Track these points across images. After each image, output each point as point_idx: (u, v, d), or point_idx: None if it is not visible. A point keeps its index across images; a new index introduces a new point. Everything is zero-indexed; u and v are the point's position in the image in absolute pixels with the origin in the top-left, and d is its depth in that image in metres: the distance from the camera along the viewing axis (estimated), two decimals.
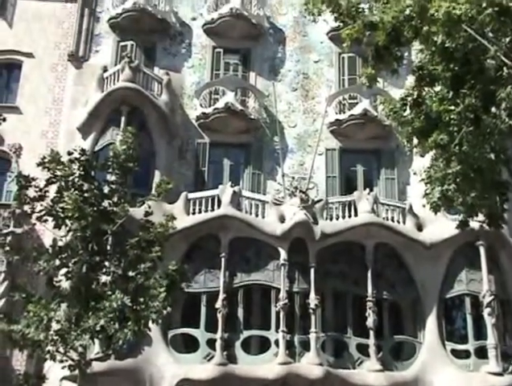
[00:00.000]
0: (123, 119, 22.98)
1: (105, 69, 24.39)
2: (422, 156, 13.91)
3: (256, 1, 26.39)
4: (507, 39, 10.70)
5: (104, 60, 25.43)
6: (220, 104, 24.12)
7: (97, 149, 23.01)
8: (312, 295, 20.50)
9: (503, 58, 10.46)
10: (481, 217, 12.94)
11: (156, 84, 24.37)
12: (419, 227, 22.14)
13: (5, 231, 21.16)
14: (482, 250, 21.44)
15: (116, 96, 23.46)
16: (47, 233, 18.86)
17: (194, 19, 26.70)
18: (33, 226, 19.86)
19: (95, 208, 14.45)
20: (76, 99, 24.69)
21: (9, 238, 20.95)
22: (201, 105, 24.61)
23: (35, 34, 26.05)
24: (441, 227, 21.11)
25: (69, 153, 14.87)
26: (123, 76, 23.55)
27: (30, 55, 25.63)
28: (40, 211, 14.51)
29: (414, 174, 14.85)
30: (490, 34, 10.77)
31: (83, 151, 14.93)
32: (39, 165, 14.66)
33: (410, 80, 14.76)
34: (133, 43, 25.95)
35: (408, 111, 12.50)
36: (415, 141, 12.75)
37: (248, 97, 24.69)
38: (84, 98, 24.32)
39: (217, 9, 26.14)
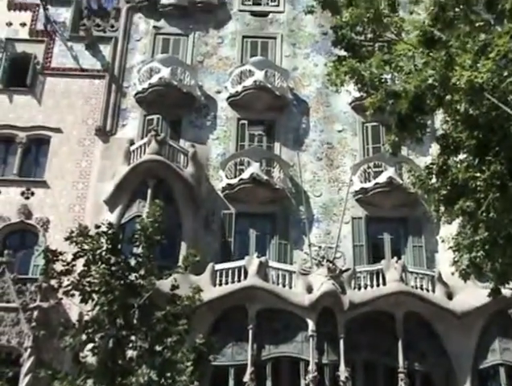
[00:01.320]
0: (149, 191, 23.24)
1: (131, 143, 24.81)
2: (449, 223, 13.77)
3: (279, 73, 26.82)
4: None
5: (130, 134, 25.89)
6: (245, 175, 24.29)
7: (123, 221, 23.17)
8: (342, 367, 20.10)
9: None
10: None
11: (182, 157, 24.68)
12: (449, 296, 21.78)
13: (31, 305, 21.15)
14: None
15: (142, 168, 23.77)
16: (74, 308, 18.83)
17: (219, 92, 27.17)
18: (59, 300, 19.82)
19: (122, 282, 14.44)
20: (103, 172, 25.02)
21: (35, 313, 20.92)
22: (227, 176, 24.80)
23: (63, 110, 26.66)
24: (471, 295, 20.75)
25: (97, 227, 14.96)
26: (149, 149, 23.91)
27: (58, 131, 26.17)
28: (67, 285, 14.52)
29: (442, 241, 14.67)
30: None
31: (110, 225, 15.02)
32: (66, 239, 14.75)
33: (435, 147, 14.81)
34: (159, 116, 26.41)
35: (434, 179, 12.47)
36: (442, 208, 12.66)
37: (273, 168, 24.85)
38: (111, 171, 24.64)
39: (241, 82, 26.58)
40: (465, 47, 11.14)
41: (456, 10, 11.65)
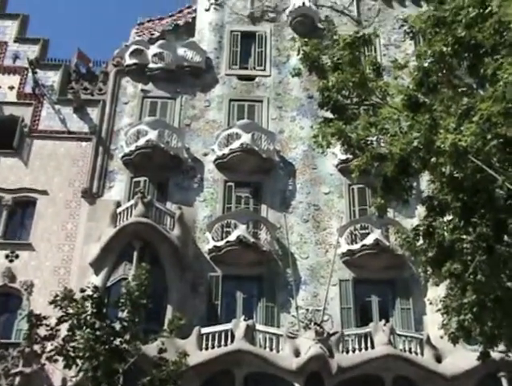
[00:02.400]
0: (135, 254, 23.10)
1: (118, 205, 24.79)
2: (437, 285, 13.77)
3: (266, 136, 27.06)
4: None
5: (117, 196, 25.88)
6: (232, 237, 24.23)
7: (109, 284, 22.93)
8: None
9: (511, 187, 10.55)
10: (501, 347, 12.62)
11: (169, 219, 24.63)
12: (438, 359, 21.55)
13: (13, 371, 20.74)
14: (504, 382, 20.75)
15: (129, 230, 23.68)
16: (57, 373, 18.48)
17: (206, 155, 27.33)
18: (42, 366, 19.45)
19: (107, 347, 14.22)
20: (89, 235, 24.88)
21: (17, 378, 20.51)
22: (213, 239, 24.72)
23: (49, 172, 26.67)
24: (461, 358, 20.55)
25: (82, 291, 14.79)
26: (136, 211, 23.87)
27: (44, 193, 26.12)
28: (51, 350, 14.28)
29: (430, 303, 14.65)
30: (497, 164, 10.91)
31: (95, 288, 14.87)
32: (51, 303, 14.58)
33: (421, 209, 14.87)
34: (146, 178, 26.45)
35: (421, 241, 12.50)
36: (430, 270, 12.65)
37: (260, 230, 24.83)
38: (97, 234, 24.51)
39: (228, 144, 26.77)
40: (449, 111, 11.33)
41: (440, 75, 11.88)
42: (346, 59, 12.44)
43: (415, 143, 11.33)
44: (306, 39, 13.62)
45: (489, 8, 10.54)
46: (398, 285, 24.39)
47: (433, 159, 11.22)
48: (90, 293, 14.63)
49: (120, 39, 36.16)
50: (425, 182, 16.52)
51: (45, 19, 59.45)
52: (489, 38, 11.15)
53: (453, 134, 10.56)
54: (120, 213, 24.44)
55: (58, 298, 14.62)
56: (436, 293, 14.78)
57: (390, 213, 24.38)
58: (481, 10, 11.35)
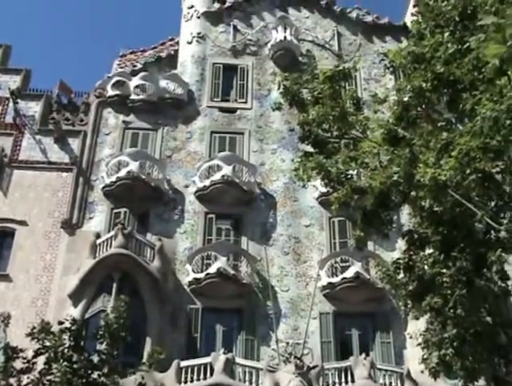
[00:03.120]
0: (115, 285, 22.91)
1: (97, 236, 24.62)
2: (417, 319, 13.74)
3: (247, 168, 27.12)
4: (493, 203, 10.92)
5: (97, 227, 25.71)
6: (212, 270, 24.11)
7: (87, 316, 22.67)
8: None
9: (490, 222, 10.62)
10: (482, 382, 12.58)
11: (149, 250, 24.49)
12: None
13: None
14: None
15: (108, 262, 23.50)
16: None
17: (187, 186, 27.30)
18: None
19: (84, 380, 14.00)
20: (68, 266, 24.64)
21: None
22: (193, 271, 24.58)
23: (29, 202, 26.47)
24: None
25: (60, 323, 14.61)
26: (116, 243, 23.71)
27: (23, 223, 25.90)
28: (27, 384, 14.04)
29: (411, 337, 14.61)
30: (476, 199, 10.99)
31: (74, 321, 14.69)
32: (28, 335, 14.36)
33: (401, 242, 14.91)
34: (126, 209, 26.33)
35: (401, 274, 12.52)
36: (410, 304, 12.65)
37: (240, 262, 24.74)
38: (76, 265, 24.29)
39: (209, 176, 26.78)
40: (428, 145, 11.42)
41: (419, 109, 12.01)
42: (326, 93, 12.56)
43: (395, 177, 11.42)
44: (286, 74, 13.74)
45: (467, 44, 10.69)
46: (378, 319, 24.33)
47: (413, 193, 11.31)
48: (68, 325, 14.44)
49: (103, 70, 36.41)
50: (405, 216, 16.62)
51: (28, 49, 59.57)
52: (468, 74, 11.31)
53: (433, 168, 10.64)
54: (99, 244, 24.28)
55: (35, 331, 14.42)
56: (417, 326, 14.74)
57: (371, 246, 24.48)
58: (460, 47, 11.52)
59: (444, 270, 11.35)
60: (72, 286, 23.61)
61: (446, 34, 11.93)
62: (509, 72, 8.15)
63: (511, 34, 5.25)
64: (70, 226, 25.88)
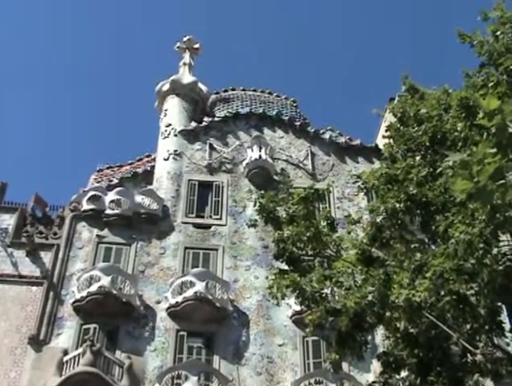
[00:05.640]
0: None
1: (65, 353, 23.94)
2: None
3: (220, 285, 26.88)
4: (468, 326, 10.87)
5: (65, 343, 25.01)
6: None
7: None
8: None
9: (466, 345, 10.54)
10: None
11: (117, 369, 23.77)
12: None
13: None
14: None
15: (75, 380, 22.76)
16: None
17: (158, 302, 26.89)
18: None
19: None
20: (33, 384, 23.77)
21: None
22: None
23: None
24: None
25: None
26: (83, 360, 23.05)
27: None
28: None
29: None
30: (452, 321, 10.94)
31: None
32: None
33: (376, 364, 14.68)
34: (96, 325, 25.74)
35: None
36: None
37: (212, 382, 24.02)
38: (42, 383, 23.51)
39: (182, 292, 26.46)
40: (402, 266, 11.49)
41: (392, 230, 12.15)
42: (301, 214, 12.70)
43: (370, 297, 11.38)
44: (262, 192, 13.92)
45: (439, 169, 10.96)
46: None
47: (388, 314, 11.24)
48: None
49: (79, 184, 36.65)
50: (380, 337, 16.42)
51: (4, 162, 59.97)
52: (440, 196, 11.55)
53: (407, 289, 10.65)
54: (67, 361, 23.57)
55: None
56: None
57: (345, 367, 23.97)
58: (431, 170, 11.82)
59: None
60: None
61: (417, 158, 12.28)
62: None
63: (478, 171, 5.43)
64: (37, 342, 25.14)
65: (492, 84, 11.76)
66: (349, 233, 13.20)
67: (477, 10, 13.42)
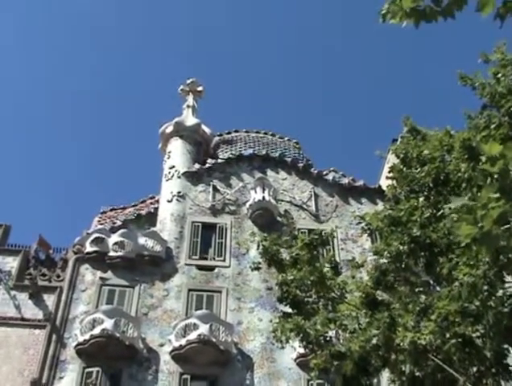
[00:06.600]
0: None
1: None
2: None
3: (224, 327, 26.70)
4: (474, 369, 10.76)
5: None
6: None
7: None
8: None
9: None
10: None
11: None
12: None
13: None
14: None
15: None
16: None
17: (162, 345, 26.68)
18: None
19: None
20: None
21: None
22: None
23: None
24: None
25: None
26: None
27: None
28: None
29: None
30: (458, 363, 10.84)
31: None
32: None
33: None
34: (99, 369, 25.51)
35: None
36: None
37: None
38: None
39: (185, 335, 26.26)
40: (407, 309, 11.42)
41: (397, 273, 12.11)
42: (304, 258, 12.69)
43: (374, 340, 11.31)
44: (265, 234, 13.92)
45: (442, 211, 10.97)
46: None
47: (393, 357, 11.15)
48: None
49: (82, 226, 36.65)
50: (385, 380, 16.25)
51: (8, 204, 60.12)
52: (444, 237, 11.53)
53: (412, 332, 10.59)
54: None
55: None
56: None
57: None
58: (434, 212, 11.82)
59: None
60: None
61: (421, 199, 12.28)
62: None
63: (482, 216, 5.45)
64: (39, 385, 24.92)
65: (494, 125, 11.82)
66: (353, 278, 13.15)
67: (478, 52, 13.57)
